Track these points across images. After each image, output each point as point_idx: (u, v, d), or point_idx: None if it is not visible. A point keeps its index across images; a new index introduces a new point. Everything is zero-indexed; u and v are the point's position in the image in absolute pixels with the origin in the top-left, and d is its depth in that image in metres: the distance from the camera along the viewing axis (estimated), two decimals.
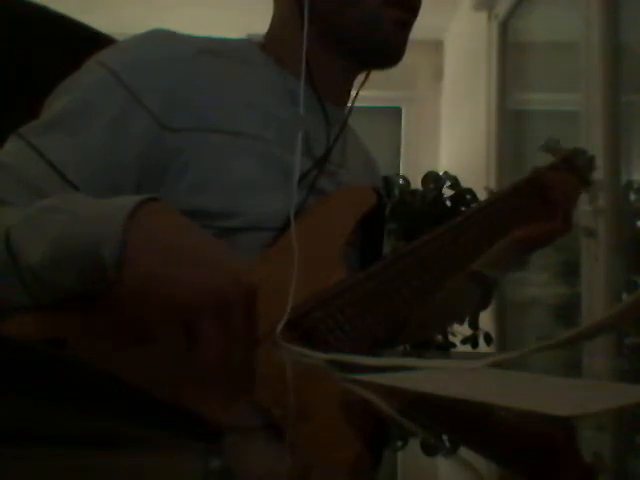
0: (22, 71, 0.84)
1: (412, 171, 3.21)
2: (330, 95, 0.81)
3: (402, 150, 4.17)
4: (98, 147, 0.68)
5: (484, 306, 1.02)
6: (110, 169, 0.68)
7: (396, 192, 2.43)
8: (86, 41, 0.88)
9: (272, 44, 0.82)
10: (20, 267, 0.57)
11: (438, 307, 0.94)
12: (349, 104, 0.87)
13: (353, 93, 0.86)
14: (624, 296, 1.93)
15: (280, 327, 0.60)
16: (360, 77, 0.86)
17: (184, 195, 0.69)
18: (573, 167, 0.97)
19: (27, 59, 0.85)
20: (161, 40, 0.74)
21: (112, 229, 0.53)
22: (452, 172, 2.55)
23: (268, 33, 0.85)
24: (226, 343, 0.53)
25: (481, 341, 2.33)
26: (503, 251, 0.93)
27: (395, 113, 4.20)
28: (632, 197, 2.04)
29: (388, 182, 2.34)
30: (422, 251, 0.77)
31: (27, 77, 0.84)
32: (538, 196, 0.92)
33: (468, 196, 2.39)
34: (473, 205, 2.32)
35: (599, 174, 1.05)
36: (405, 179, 2.58)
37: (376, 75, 0.86)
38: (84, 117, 0.69)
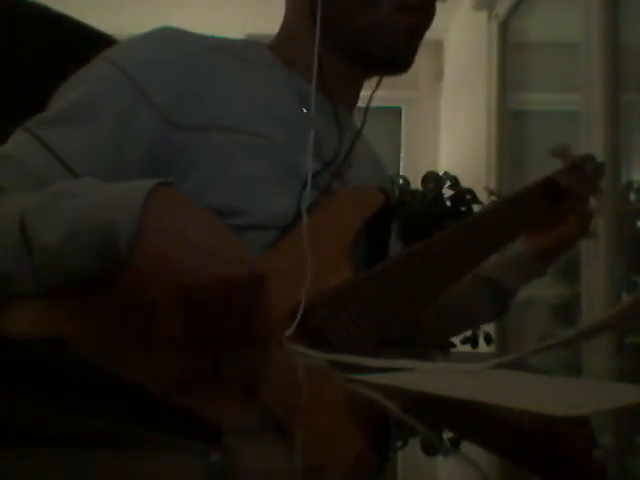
0: (22, 71, 0.84)
1: (412, 171, 3.21)
2: (339, 98, 0.81)
3: (402, 150, 4.17)
4: (104, 141, 0.68)
5: (501, 315, 1.02)
6: (115, 163, 0.68)
7: (396, 192, 2.43)
8: (86, 41, 0.88)
9: (282, 46, 0.82)
10: (33, 249, 0.57)
11: (453, 313, 0.94)
12: (357, 107, 0.87)
13: (362, 96, 0.86)
14: (624, 296, 1.93)
15: (291, 330, 0.60)
16: (367, 81, 0.86)
17: (189, 192, 0.69)
18: (582, 173, 0.96)
19: (27, 59, 0.85)
20: (169, 38, 0.74)
21: (128, 212, 0.54)
22: (452, 172, 2.55)
23: (278, 35, 0.85)
24: (226, 326, 0.54)
25: (481, 341, 2.33)
26: (523, 261, 0.94)
27: (395, 113, 4.20)
28: (632, 197, 2.04)
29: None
30: (428, 252, 0.76)
31: (27, 77, 0.84)
32: (551, 200, 0.92)
33: (468, 196, 2.39)
34: (477, 206, 2.32)
35: None
36: (405, 179, 2.58)
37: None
38: (91, 111, 0.69)
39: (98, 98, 0.70)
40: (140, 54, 0.72)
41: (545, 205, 0.91)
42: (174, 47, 0.73)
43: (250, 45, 0.83)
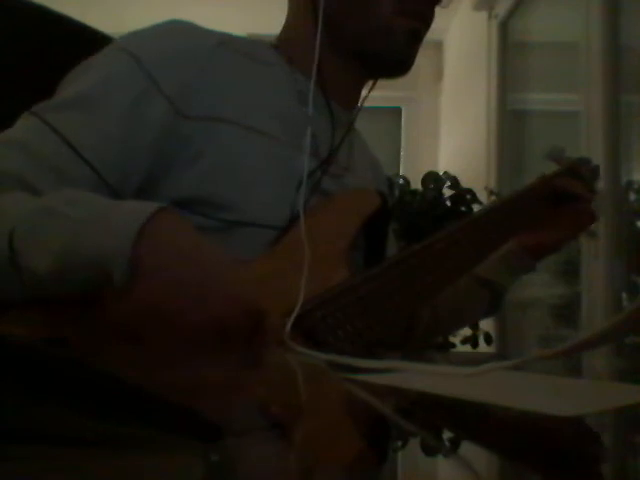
0: (22, 71, 0.84)
1: (412, 171, 3.21)
2: (339, 98, 0.82)
3: (402, 150, 4.17)
4: (114, 128, 0.68)
5: (493, 311, 1.02)
6: (124, 151, 0.68)
7: (396, 192, 2.43)
8: (86, 41, 0.88)
9: (284, 45, 0.83)
10: (23, 272, 0.57)
11: (446, 311, 0.94)
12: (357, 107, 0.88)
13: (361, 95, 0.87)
14: (624, 296, 1.93)
15: (288, 326, 0.60)
16: (368, 82, 0.87)
17: (190, 183, 0.69)
18: (577, 176, 0.96)
19: (27, 59, 0.85)
20: (181, 31, 0.75)
21: (121, 245, 0.53)
22: (452, 172, 2.54)
23: (281, 34, 0.85)
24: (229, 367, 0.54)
25: (481, 341, 2.33)
26: (516, 257, 0.93)
27: (395, 113, 4.20)
28: (632, 197, 2.04)
29: (388, 182, 2.34)
30: (426, 253, 0.77)
31: (27, 77, 0.84)
32: (548, 201, 0.92)
33: (468, 196, 2.39)
34: (477, 206, 2.32)
35: None
36: (405, 179, 2.58)
37: None
38: (102, 98, 0.69)
39: (110, 85, 0.69)
40: (154, 45, 0.73)
41: (543, 205, 0.92)
42: (184, 40, 0.74)
43: (255, 43, 0.83)
